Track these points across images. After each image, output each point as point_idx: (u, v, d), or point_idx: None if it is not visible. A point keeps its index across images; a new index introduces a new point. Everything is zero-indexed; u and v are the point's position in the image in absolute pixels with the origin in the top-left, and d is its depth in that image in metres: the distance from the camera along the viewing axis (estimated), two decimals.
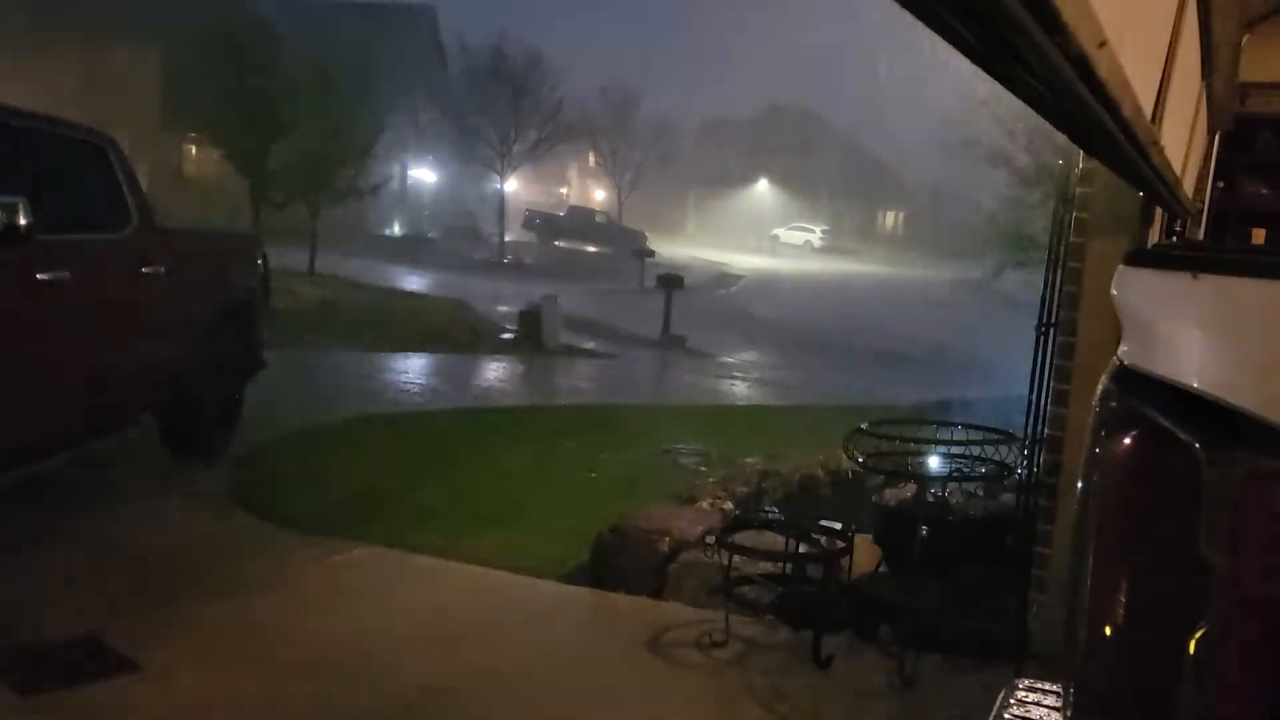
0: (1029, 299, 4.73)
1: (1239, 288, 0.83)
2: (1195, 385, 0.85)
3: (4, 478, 4.04)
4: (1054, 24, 0.75)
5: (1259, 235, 5.23)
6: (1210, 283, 0.85)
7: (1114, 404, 0.96)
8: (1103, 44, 0.87)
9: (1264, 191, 5.22)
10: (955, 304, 27.34)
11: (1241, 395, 0.79)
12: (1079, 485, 1.00)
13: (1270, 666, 0.77)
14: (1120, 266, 1.03)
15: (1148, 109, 1.40)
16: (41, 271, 4.16)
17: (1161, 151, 1.73)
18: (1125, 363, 1.01)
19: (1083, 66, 0.89)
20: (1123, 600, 0.92)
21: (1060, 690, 1.15)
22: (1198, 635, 0.78)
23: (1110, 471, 0.94)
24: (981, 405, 7.29)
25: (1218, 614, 0.78)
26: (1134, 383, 0.95)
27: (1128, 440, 0.92)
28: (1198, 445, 0.80)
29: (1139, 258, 1.00)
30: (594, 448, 6.91)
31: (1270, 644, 0.77)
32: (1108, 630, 0.92)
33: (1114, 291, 1.06)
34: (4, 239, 3.79)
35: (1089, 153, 2.69)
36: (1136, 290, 1.01)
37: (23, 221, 3.80)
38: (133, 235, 5.02)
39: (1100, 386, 1.00)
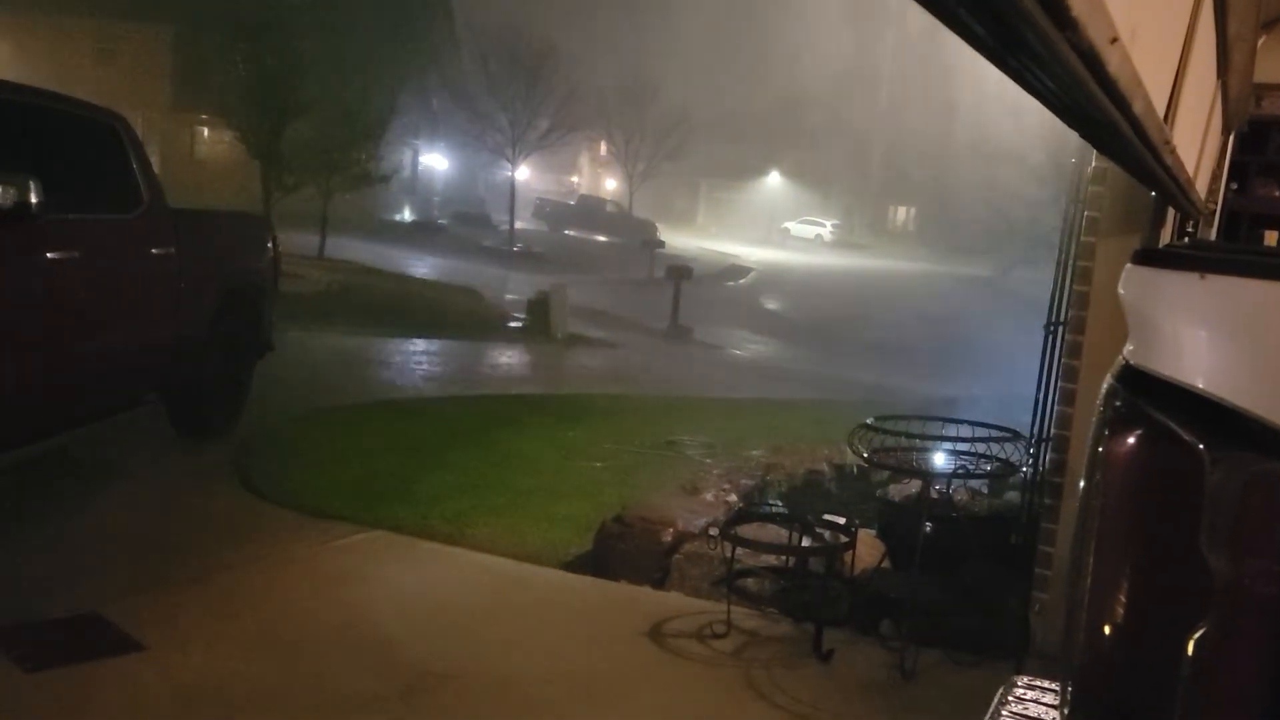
0: (1038, 296, 4.71)
1: (1246, 289, 0.83)
2: (1200, 386, 0.85)
3: (10, 455, 4.06)
4: (1064, 19, 0.74)
5: (1272, 237, 5.20)
6: (1218, 283, 0.84)
7: (1118, 403, 0.96)
8: (1114, 40, 0.86)
9: (1277, 194, 5.19)
10: (965, 300, 27.27)
11: (1246, 397, 0.79)
12: (1081, 483, 1.00)
13: (1269, 668, 0.77)
14: (1128, 265, 1.02)
15: (1160, 108, 1.39)
16: (51, 251, 4.17)
17: (1174, 151, 1.72)
18: (1131, 362, 1.01)
19: (1093, 62, 0.88)
20: (1122, 599, 0.92)
21: (1058, 688, 1.15)
22: (1196, 636, 0.78)
23: (1113, 471, 0.94)
24: (988, 402, 7.26)
25: (1217, 615, 0.77)
26: (1139, 382, 0.95)
27: (1131, 440, 0.91)
28: (1202, 446, 0.79)
29: (1147, 257, 0.99)
30: (599, 437, 6.92)
31: (1269, 645, 0.77)
32: (1106, 629, 0.92)
33: (1121, 290, 1.06)
34: (14, 218, 3.80)
35: (1101, 151, 2.68)
36: (1143, 289, 1.00)
37: (33, 200, 3.82)
38: (143, 216, 5.04)
39: (1105, 385, 1.00)
